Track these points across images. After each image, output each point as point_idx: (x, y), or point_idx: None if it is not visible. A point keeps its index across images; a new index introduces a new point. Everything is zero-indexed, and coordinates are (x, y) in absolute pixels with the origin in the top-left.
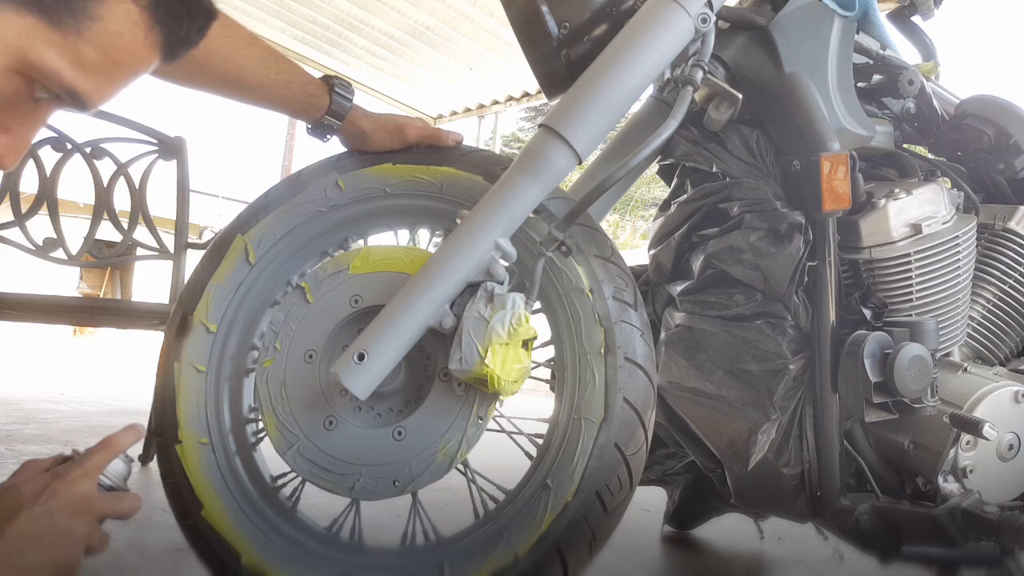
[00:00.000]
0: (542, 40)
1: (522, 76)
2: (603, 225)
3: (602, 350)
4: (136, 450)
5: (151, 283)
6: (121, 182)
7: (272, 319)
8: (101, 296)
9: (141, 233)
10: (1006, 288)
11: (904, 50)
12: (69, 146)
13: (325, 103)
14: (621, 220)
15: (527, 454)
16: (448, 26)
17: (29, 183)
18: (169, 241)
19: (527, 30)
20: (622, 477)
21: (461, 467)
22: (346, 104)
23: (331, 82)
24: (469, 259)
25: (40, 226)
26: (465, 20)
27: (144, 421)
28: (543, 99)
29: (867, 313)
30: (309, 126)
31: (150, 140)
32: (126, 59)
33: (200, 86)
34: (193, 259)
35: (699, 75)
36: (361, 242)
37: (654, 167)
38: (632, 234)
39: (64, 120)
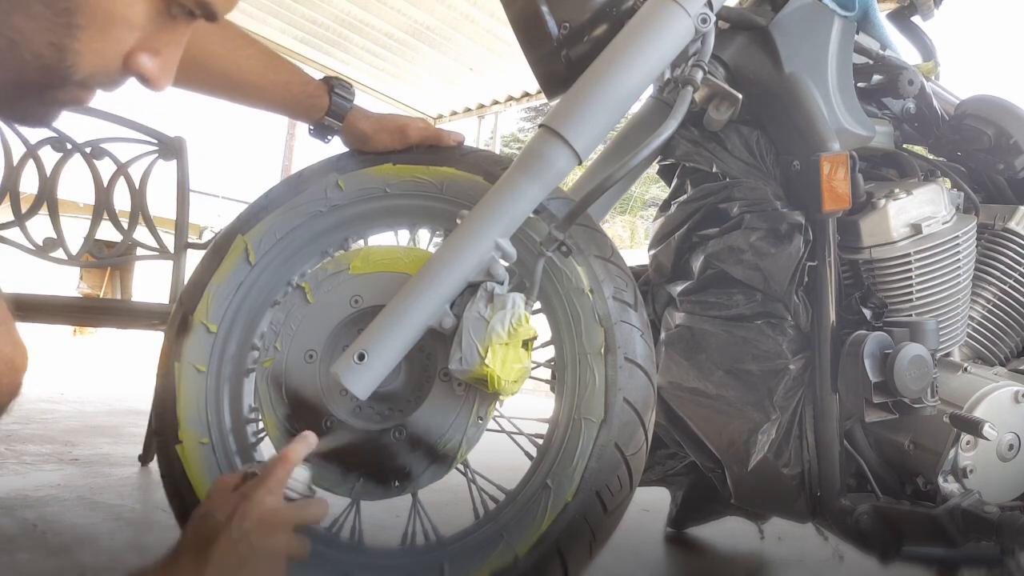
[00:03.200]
0: (542, 40)
1: (522, 76)
2: (617, 224)
3: (602, 350)
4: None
5: (151, 283)
6: (121, 182)
7: (272, 319)
8: (101, 296)
9: (141, 233)
10: (1006, 288)
11: (904, 50)
12: (69, 146)
13: (325, 104)
14: (633, 219)
15: (527, 454)
16: (448, 26)
17: (29, 183)
18: (169, 241)
19: (527, 30)
20: (622, 477)
21: (461, 467)
22: (346, 105)
23: (331, 83)
24: (469, 259)
25: (40, 226)
26: (465, 20)
27: (144, 421)
28: (543, 99)
29: (867, 313)
30: (311, 128)
31: (150, 140)
32: None
33: (200, 88)
34: (193, 259)
35: (699, 75)
36: (361, 242)
37: (654, 167)
38: (633, 234)
39: (64, 120)
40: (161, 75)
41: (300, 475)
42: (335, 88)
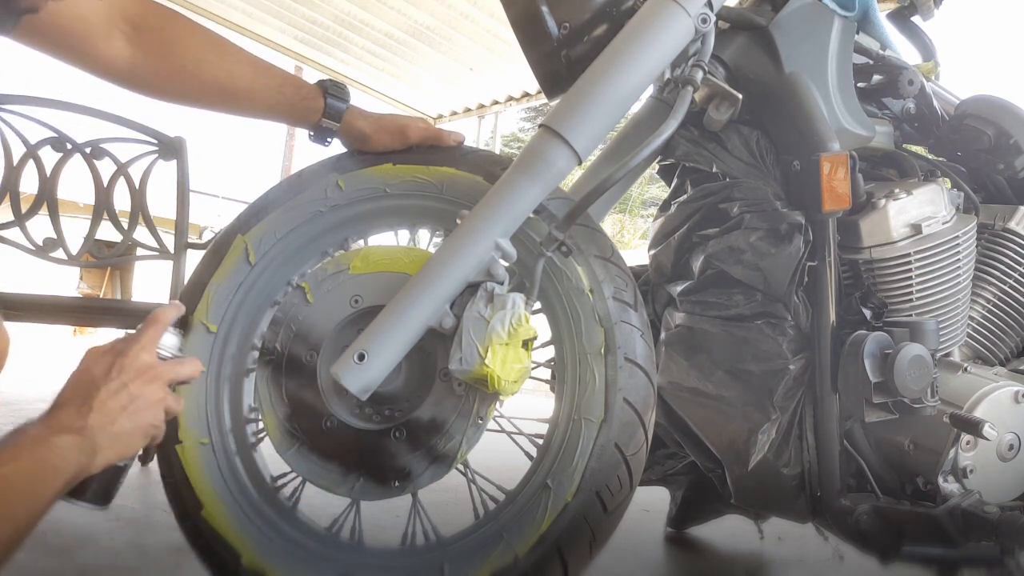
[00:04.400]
0: (542, 40)
1: (522, 76)
2: (607, 222)
3: (602, 350)
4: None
5: (151, 283)
6: (121, 182)
7: (272, 319)
8: (101, 296)
9: (141, 233)
10: (1006, 288)
11: (904, 50)
12: (69, 146)
13: (320, 106)
14: (623, 217)
15: (527, 454)
16: (448, 26)
17: (29, 183)
18: (169, 241)
19: (527, 30)
20: (622, 477)
21: (461, 467)
22: (341, 106)
23: (325, 85)
24: (469, 259)
25: (40, 226)
26: (465, 20)
27: None
28: (543, 99)
29: (867, 313)
30: (310, 133)
31: (150, 140)
32: None
33: (194, 99)
34: (193, 259)
35: (699, 75)
36: (361, 242)
37: (654, 167)
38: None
39: (64, 120)
40: None
41: (170, 339)
42: (329, 90)
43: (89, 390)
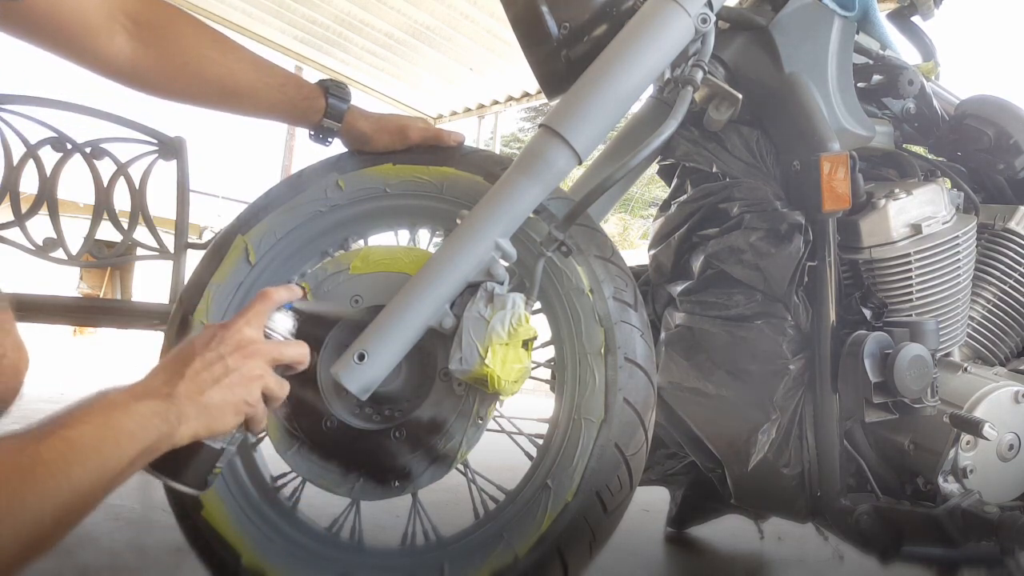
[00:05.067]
0: (542, 40)
1: (522, 76)
2: (609, 222)
3: (602, 350)
4: None
5: (151, 283)
6: (121, 182)
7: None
8: (101, 296)
9: (141, 233)
10: (1006, 288)
11: (904, 50)
12: (69, 146)
13: (321, 106)
14: (631, 219)
15: (527, 454)
16: (448, 26)
17: (29, 183)
18: (169, 241)
19: (527, 30)
20: (622, 477)
21: (461, 467)
22: (342, 106)
23: (326, 85)
24: (469, 259)
25: (40, 226)
26: (465, 20)
27: None
28: (543, 99)
29: (867, 313)
30: (311, 132)
31: (150, 140)
32: None
33: (196, 97)
34: (193, 259)
35: (699, 75)
36: (361, 242)
37: (654, 167)
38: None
39: (64, 120)
40: None
41: (282, 320)
42: (330, 89)
43: (185, 359)
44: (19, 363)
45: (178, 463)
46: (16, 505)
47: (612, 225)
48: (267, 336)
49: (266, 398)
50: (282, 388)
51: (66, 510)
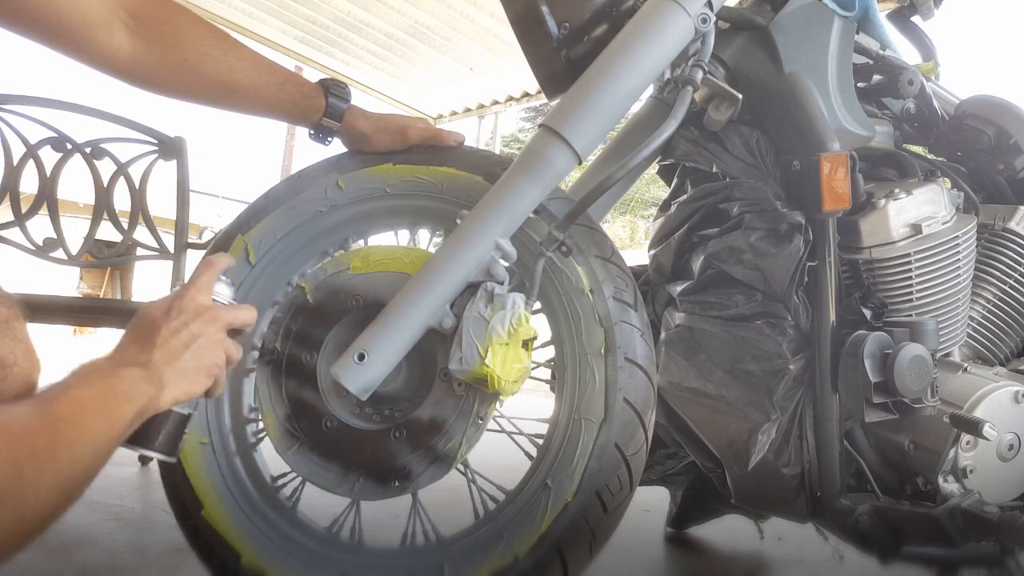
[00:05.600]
0: (542, 40)
1: (522, 76)
2: (616, 224)
3: (602, 350)
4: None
5: (151, 283)
6: (121, 182)
7: (272, 319)
8: (101, 296)
9: (141, 233)
10: (1006, 288)
11: (904, 50)
12: (69, 146)
13: (321, 105)
14: (635, 221)
15: (527, 454)
16: (448, 26)
17: (29, 183)
18: (169, 241)
19: (527, 30)
20: (622, 477)
21: (461, 467)
22: (342, 105)
23: (326, 84)
24: (469, 259)
25: (40, 226)
26: (465, 20)
27: None
28: (543, 99)
29: (867, 313)
30: (311, 131)
31: (150, 140)
32: None
33: (196, 94)
34: (193, 259)
35: (699, 75)
36: (361, 242)
37: (654, 167)
38: (633, 234)
39: (64, 120)
40: None
41: (223, 289)
42: (331, 89)
43: (150, 330)
44: (31, 371)
45: (151, 432)
46: (50, 457)
47: (619, 228)
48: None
49: (227, 360)
50: (238, 351)
51: (90, 460)
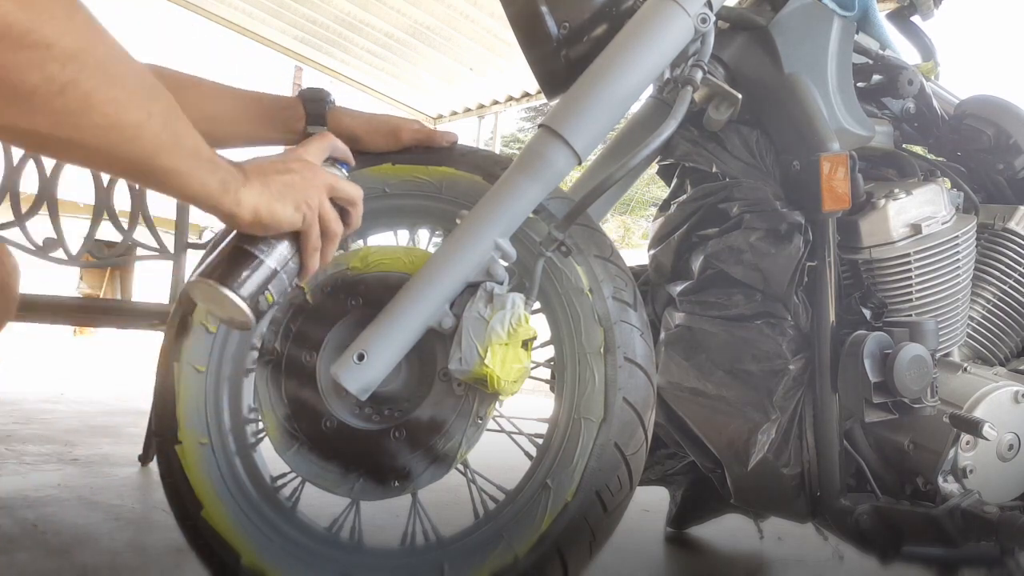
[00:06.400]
0: (542, 40)
1: (522, 76)
2: (612, 226)
3: (602, 350)
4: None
5: (151, 283)
6: (121, 182)
7: (272, 319)
8: (101, 296)
9: (141, 233)
10: (1006, 288)
11: (904, 50)
12: None
13: (302, 113)
14: (631, 221)
15: (527, 454)
16: (448, 26)
17: (29, 183)
18: (169, 241)
19: (527, 30)
20: (622, 477)
21: (461, 467)
22: (322, 108)
23: (303, 93)
24: (469, 259)
25: (40, 226)
26: (465, 20)
27: (144, 421)
28: (543, 99)
29: (867, 313)
30: None
31: None
32: None
33: None
34: (193, 259)
35: (699, 75)
36: (360, 242)
37: (654, 167)
38: (644, 235)
39: None
40: None
41: (336, 169)
42: (307, 95)
43: (260, 163)
44: (10, 280)
45: (234, 270)
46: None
47: (612, 227)
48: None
49: (323, 229)
50: (338, 222)
51: (104, 125)
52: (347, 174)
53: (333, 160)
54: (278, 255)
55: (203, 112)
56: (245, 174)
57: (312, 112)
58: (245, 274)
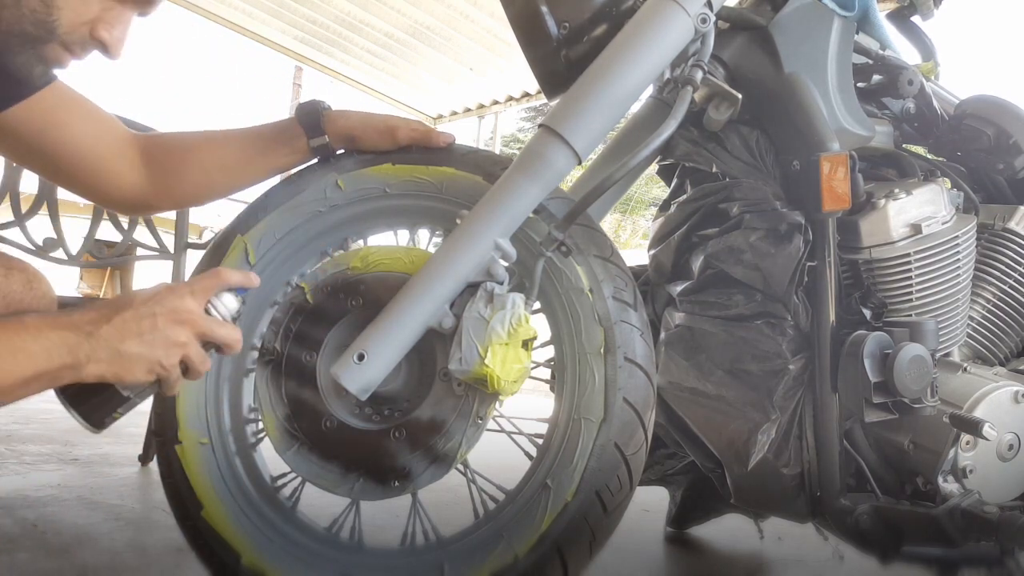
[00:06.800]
0: (542, 40)
1: (522, 76)
2: (605, 224)
3: (602, 350)
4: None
5: (151, 283)
6: None
7: (272, 319)
8: (101, 296)
9: (141, 233)
10: (1006, 288)
11: (904, 50)
12: None
13: (300, 129)
14: (623, 219)
15: (527, 454)
16: (448, 26)
17: (29, 183)
18: (169, 241)
19: (527, 30)
20: (622, 477)
21: (461, 467)
22: (316, 115)
23: (297, 109)
24: (469, 259)
25: (40, 226)
26: (465, 20)
27: (144, 421)
28: (543, 99)
29: (867, 313)
30: (316, 159)
31: None
32: None
33: (205, 198)
34: (193, 259)
35: (699, 75)
36: (361, 242)
37: (654, 167)
38: (632, 234)
39: None
40: (115, 44)
41: (229, 301)
42: (302, 113)
43: (121, 307)
44: (35, 303)
45: (83, 396)
46: None
47: (605, 227)
48: (207, 312)
49: (185, 368)
50: (203, 363)
51: None
52: (243, 299)
53: (228, 288)
54: (134, 387)
55: (216, 165)
56: (92, 344)
57: (307, 125)
58: (95, 401)
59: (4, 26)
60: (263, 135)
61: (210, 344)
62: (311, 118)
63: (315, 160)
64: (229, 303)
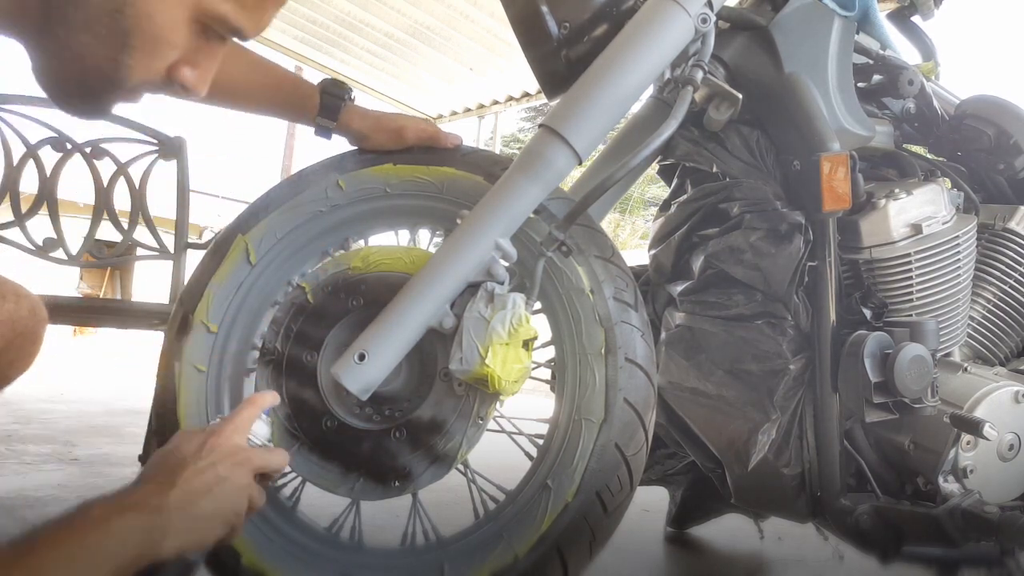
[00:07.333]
0: (542, 40)
1: (522, 76)
2: (603, 224)
3: (602, 350)
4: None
5: (151, 283)
6: (121, 182)
7: (272, 319)
8: (101, 296)
9: (141, 233)
10: (1006, 288)
11: (904, 50)
12: (69, 146)
13: (316, 104)
14: (622, 219)
15: (527, 454)
16: (448, 26)
17: (29, 183)
18: (169, 241)
19: (527, 30)
20: (622, 477)
21: (461, 467)
22: (338, 103)
23: (324, 84)
24: (469, 259)
25: (40, 226)
26: (465, 20)
27: (144, 421)
28: (543, 99)
29: (867, 313)
30: (314, 128)
31: (150, 140)
32: None
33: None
34: (193, 259)
35: (699, 75)
36: (361, 242)
37: (654, 167)
38: (631, 234)
39: (64, 120)
40: (198, 84)
41: (261, 428)
42: (327, 88)
43: (176, 467)
44: (37, 327)
45: (147, 573)
46: None
47: (603, 226)
48: (249, 444)
49: (249, 506)
50: (262, 497)
51: None
52: (269, 419)
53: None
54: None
55: (223, 84)
56: (165, 518)
57: (326, 105)
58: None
59: (64, 74)
60: (281, 83)
61: (262, 475)
62: (332, 100)
63: (315, 132)
64: (263, 429)
